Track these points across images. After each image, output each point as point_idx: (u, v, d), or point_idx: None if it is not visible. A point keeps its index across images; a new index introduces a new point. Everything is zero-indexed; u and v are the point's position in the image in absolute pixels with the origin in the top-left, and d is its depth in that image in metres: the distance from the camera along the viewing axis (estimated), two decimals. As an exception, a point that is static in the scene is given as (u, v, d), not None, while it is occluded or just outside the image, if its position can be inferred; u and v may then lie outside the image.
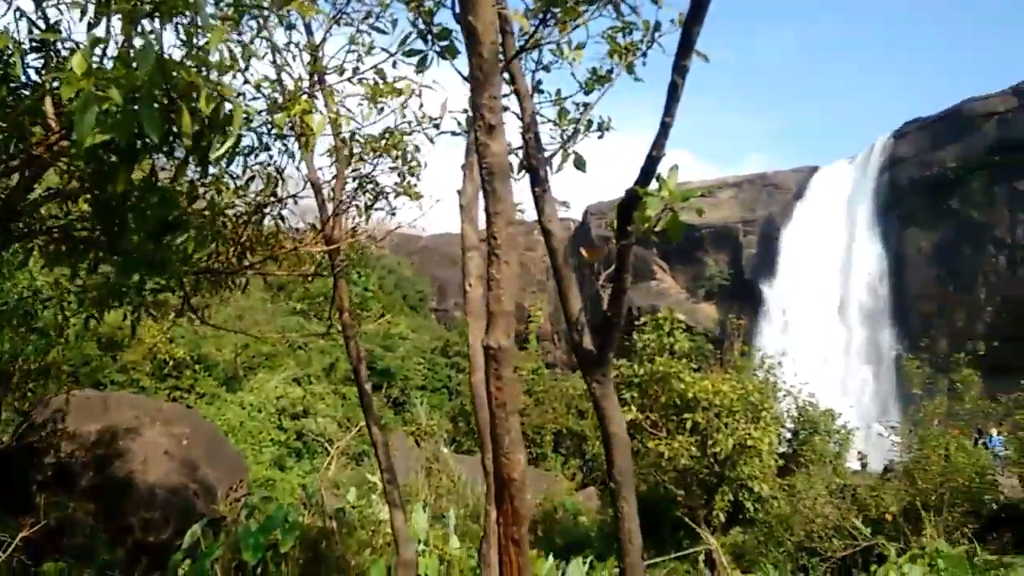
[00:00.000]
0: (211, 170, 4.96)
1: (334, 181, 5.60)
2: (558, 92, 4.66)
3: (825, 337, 49.74)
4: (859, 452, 22.61)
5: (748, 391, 11.20)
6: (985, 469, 11.83)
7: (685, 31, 2.54)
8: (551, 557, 7.62)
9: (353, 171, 5.61)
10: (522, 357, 33.94)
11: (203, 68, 3.35)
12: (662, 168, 3.08)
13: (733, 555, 11.35)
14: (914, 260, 48.72)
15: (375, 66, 4.19)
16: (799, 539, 10.63)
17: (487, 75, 2.15)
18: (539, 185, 4.10)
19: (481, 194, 2.94)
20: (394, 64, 4.22)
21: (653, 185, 3.22)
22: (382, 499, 7.91)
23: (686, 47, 2.61)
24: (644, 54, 4.11)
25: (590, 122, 4.83)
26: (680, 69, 2.95)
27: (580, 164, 4.65)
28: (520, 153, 4.32)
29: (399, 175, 5.54)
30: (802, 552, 10.27)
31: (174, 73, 3.17)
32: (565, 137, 4.62)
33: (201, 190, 4.83)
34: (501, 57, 4.14)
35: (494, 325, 2.37)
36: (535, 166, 4.09)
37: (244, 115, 4.01)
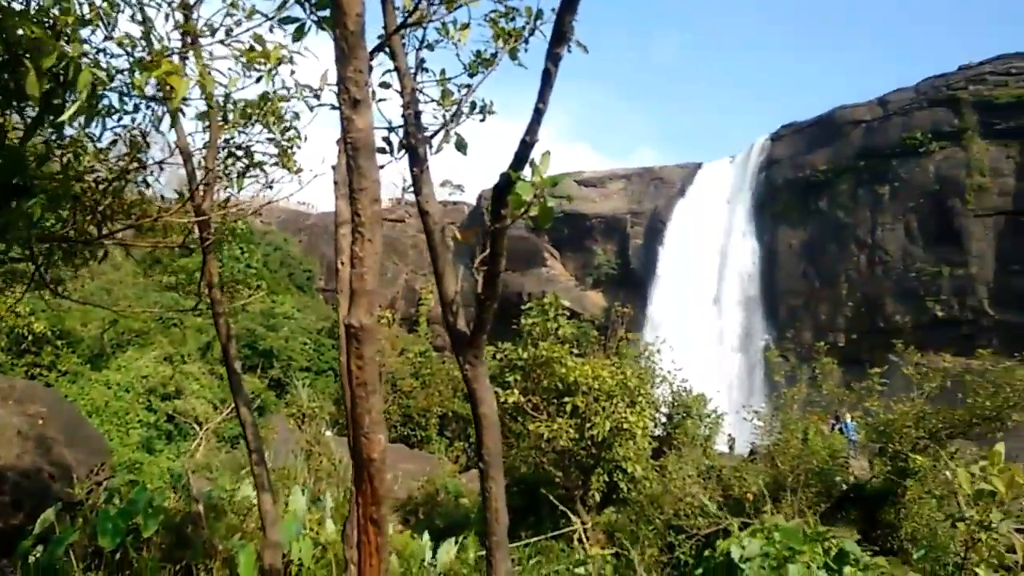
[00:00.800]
0: (69, 132, 4.62)
1: (205, 149, 5.33)
2: (442, 72, 4.61)
3: (702, 326, 52.12)
4: (729, 435, 23.93)
5: (627, 377, 11.56)
6: (837, 452, 12.77)
7: (558, 20, 2.58)
8: (426, 537, 7.64)
9: (226, 139, 5.36)
10: (411, 340, 33.70)
11: (52, 22, 3.11)
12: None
13: (606, 533, 11.77)
14: (785, 256, 51.80)
15: (250, 29, 4.01)
16: (668, 517, 11.10)
17: (352, 48, 2.10)
18: (418, 165, 4.06)
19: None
20: (271, 29, 4.06)
21: (528, 171, 3.28)
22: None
23: (559, 36, 2.65)
24: (526, 40, 4.14)
25: (473, 104, 4.81)
26: (553, 57, 2.99)
27: (462, 146, 4.62)
28: (401, 131, 4.27)
29: (276, 146, 5.34)
30: (670, 530, 10.73)
31: (19, 31, 2.94)
32: (447, 118, 4.58)
33: (58, 152, 4.49)
34: (382, 32, 4.09)
35: (356, 304, 2.34)
36: (414, 145, 4.06)
37: (104, 74, 3.77)
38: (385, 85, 4.37)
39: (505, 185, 3.27)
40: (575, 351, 11.78)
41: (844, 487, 11.56)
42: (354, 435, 2.52)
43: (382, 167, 4.35)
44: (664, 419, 16.64)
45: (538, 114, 3.28)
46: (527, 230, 64.32)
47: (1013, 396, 11.33)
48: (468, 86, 4.70)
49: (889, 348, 16.10)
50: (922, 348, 38.47)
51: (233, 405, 6.21)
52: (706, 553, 4.40)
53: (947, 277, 43.76)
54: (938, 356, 34.20)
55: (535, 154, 3.31)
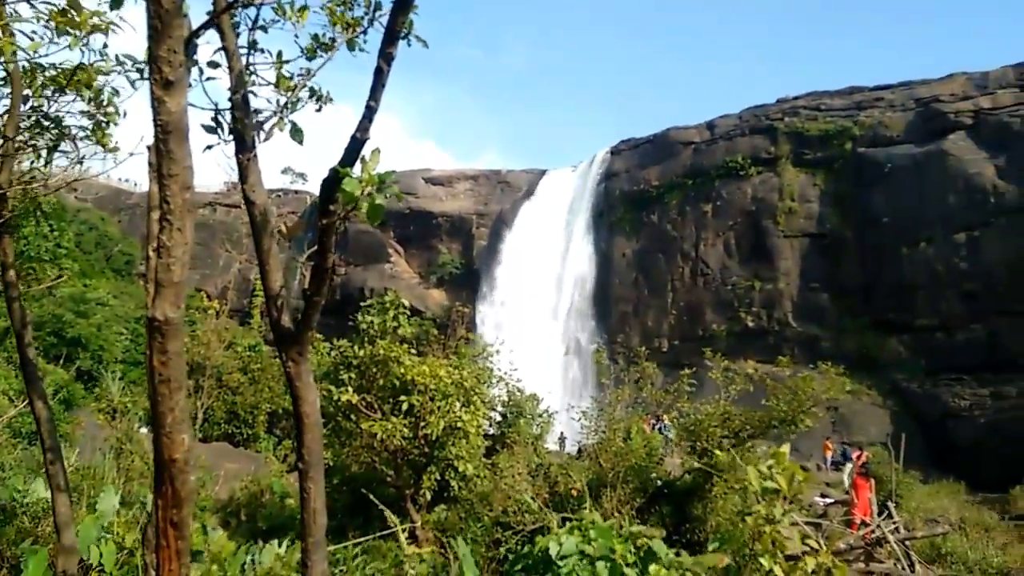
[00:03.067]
0: None
1: (6, 116, 4.80)
2: (278, 55, 4.42)
3: (540, 328, 53.66)
4: (561, 433, 24.83)
5: (464, 376, 11.64)
6: (655, 451, 13.58)
7: (391, 20, 2.57)
8: (239, 540, 7.29)
9: (33, 107, 4.86)
10: (241, 332, 32.09)
11: None
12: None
13: (436, 531, 11.80)
14: (619, 264, 54.47)
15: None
16: (497, 514, 11.30)
17: (167, 26, 1.98)
18: (245, 151, 3.87)
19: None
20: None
21: (358, 167, 3.23)
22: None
23: (392, 35, 2.63)
24: (365, 31, 4.06)
25: (312, 91, 4.64)
26: (386, 56, 2.98)
27: (297, 134, 4.43)
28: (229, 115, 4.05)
29: (91, 119, 4.90)
30: (498, 526, 10.93)
31: None
32: (281, 103, 4.38)
33: None
34: (211, 9, 3.86)
35: (161, 296, 2.20)
36: (241, 131, 3.87)
37: None
38: (214, 64, 4.13)
39: (333, 181, 3.21)
40: (414, 350, 11.73)
41: (659, 483, 12.31)
42: (156, 434, 2.37)
43: (211, 147, 4.11)
44: (499, 418, 16.98)
45: (369, 111, 3.24)
46: (373, 225, 63.26)
47: (807, 402, 12.56)
48: (307, 70, 4.53)
49: (705, 354, 17.34)
50: (734, 355, 41.84)
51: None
52: (524, 549, 4.53)
53: (758, 291, 47.84)
54: (746, 363, 37.42)
55: (374, 151, 3.30)
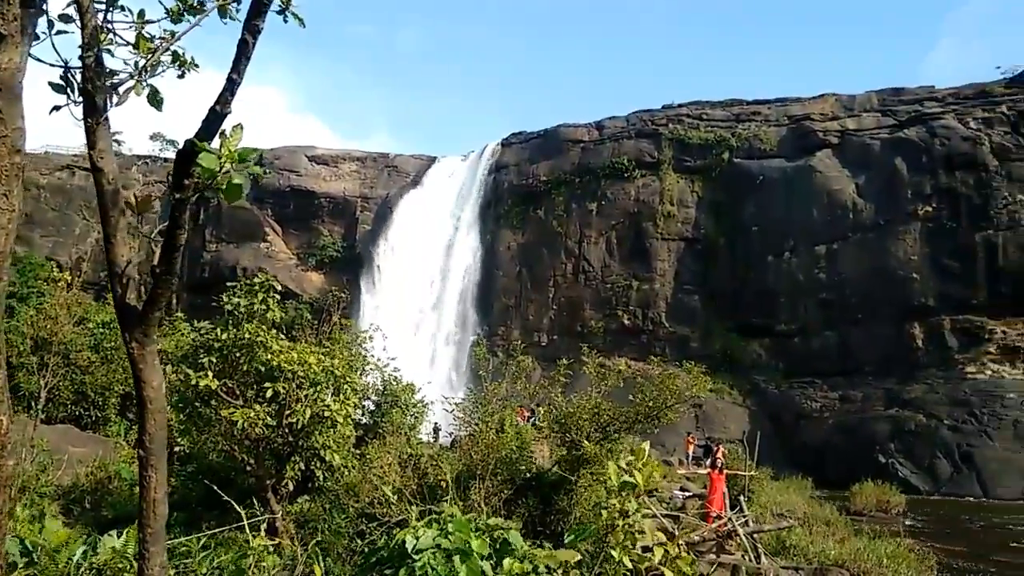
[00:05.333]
0: None
1: None
2: (140, 13, 4.08)
3: (421, 317, 53.34)
4: (435, 424, 24.72)
5: (335, 364, 11.33)
6: (526, 443, 13.74)
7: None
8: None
9: None
10: (95, 308, 29.95)
11: None
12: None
13: (298, 523, 11.45)
14: (503, 257, 54.90)
15: None
16: (363, 506, 11.10)
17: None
18: (94, 115, 3.55)
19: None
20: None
21: (217, 142, 3.03)
22: None
23: (258, 8, 2.48)
24: (238, 0, 3.82)
25: (175, 55, 4.32)
26: (251, 28, 2.81)
27: (155, 100, 4.11)
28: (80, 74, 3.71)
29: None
30: (363, 518, 10.74)
31: None
32: (139, 66, 4.05)
33: None
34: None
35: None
36: (91, 92, 3.55)
37: None
38: (66, 18, 3.77)
39: (189, 154, 3.00)
40: (284, 335, 11.31)
41: (528, 475, 12.46)
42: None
43: (58, 108, 3.75)
44: (372, 407, 16.68)
45: (231, 84, 3.05)
46: (249, 200, 60.70)
47: (671, 398, 13.07)
48: (172, 33, 4.21)
49: (583, 350, 17.73)
50: (610, 352, 43.21)
51: None
52: (380, 543, 4.45)
53: (635, 290, 49.55)
54: (620, 359, 38.67)
55: (236, 126, 3.11)
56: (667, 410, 12.54)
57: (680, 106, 55.21)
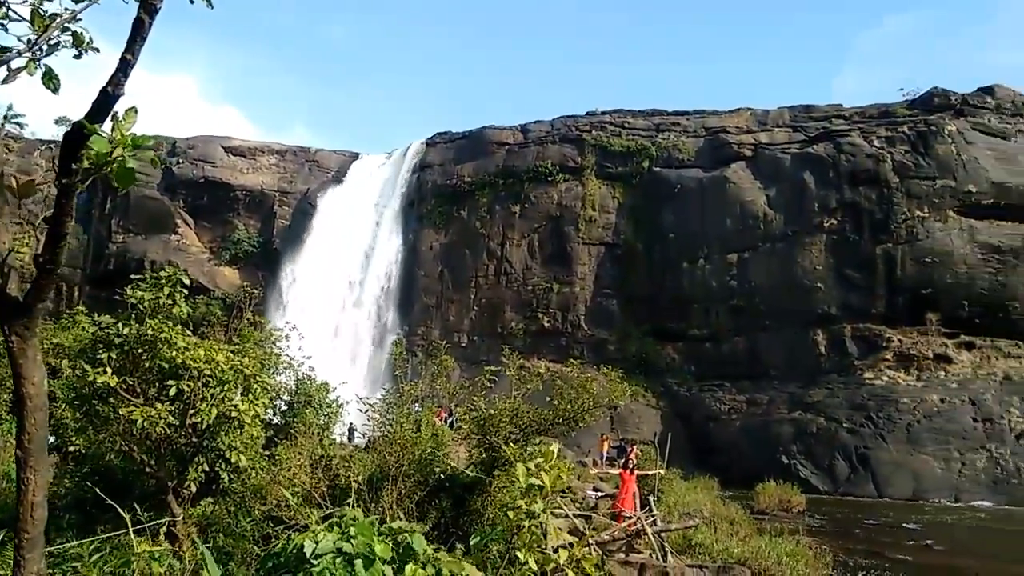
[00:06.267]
0: None
1: None
2: (36, -13, 3.82)
3: (340, 315, 52.42)
4: (351, 424, 24.29)
5: (245, 362, 10.96)
6: (442, 444, 13.65)
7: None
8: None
9: None
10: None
11: None
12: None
13: (201, 526, 11.05)
14: (425, 257, 54.56)
15: None
16: (270, 508, 10.80)
17: None
18: (-27, 91, 3.34)
19: None
20: None
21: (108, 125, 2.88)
22: None
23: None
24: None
25: (75, 35, 4.07)
26: (147, 7, 2.68)
27: (50, 81, 3.87)
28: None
29: None
30: (270, 521, 10.45)
31: None
32: (33, 44, 3.80)
33: None
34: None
35: None
36: (-29, 68, 3.31)
37: None
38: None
39: (77, 137, 2.83)
40: (193, 331, 10.87)
41: (442, 476, 12.39)
42: None
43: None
44: (284, 407, 16.26)
45: (124, 64, 2.90)
46: (160, 190, 58.37)
47: (589, 401, 13.24)
48: (73, 12, 3.97)
49: (503, 351, 17.78)
50: (530, 353, 43.52)
51: None
52: (276, 547, 4.31)
53: (556, 293, 50.08)
54: (540, 361, 38.98)
55: (129, 109, 2.95)
56: (586, 414, 12.70)
57: (603, 113, 56.19)
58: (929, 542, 21.83)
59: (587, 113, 56.73)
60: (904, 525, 25.32)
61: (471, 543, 4.66)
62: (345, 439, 23.31)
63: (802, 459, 38.27)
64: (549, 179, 52.93)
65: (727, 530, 17.77)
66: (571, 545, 4.80)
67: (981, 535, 25.44)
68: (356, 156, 63.12)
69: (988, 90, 47.53)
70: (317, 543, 3.83)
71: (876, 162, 44.53)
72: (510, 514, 4.40)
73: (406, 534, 4.20)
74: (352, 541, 3.92)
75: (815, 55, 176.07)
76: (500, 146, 56.45)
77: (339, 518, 4.14)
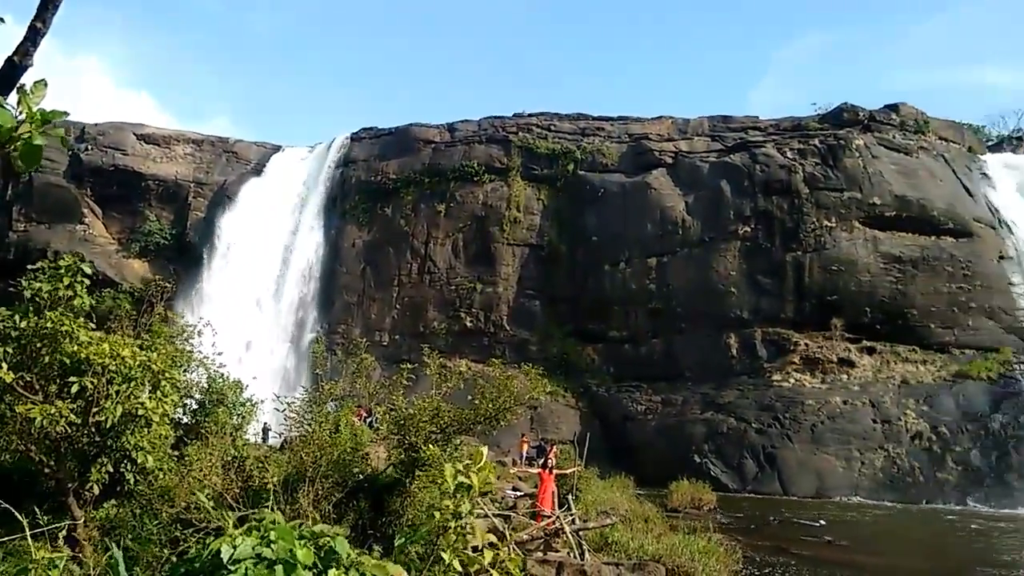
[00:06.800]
0: None
1: None
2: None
3: (257, 311, 50.97)
4: (265, 424, 23.64)
5: (154, 358, 10.48)
6: (361, 444, 13.42)
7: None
8: None
9: None
10: None
11: None
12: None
13: (104, 529, 10.52)
14: (347, 254, 53.64)
15: None
16: (178, 511, 10.37)
17: None
18: None
19: None
20: None
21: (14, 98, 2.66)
22: None
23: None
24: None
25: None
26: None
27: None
28: None
29: None
30: (178, 524, 10.03)
31: None
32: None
33: None
34: None
35: None
36: None
37: None
38: None
39: (-24, 109, 2.60)
40: (98, 325, 10.32)
41: (361, 477, 12.18)
42: None
43: None
44: (195, 406, 15.67)
45: (34, 33, 2.69)
46: (67, 178, 55.44)
47: (510, 399, 13.26)
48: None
49: (425, 350, 17.64)
50: (452, 353, 43.48)
51: None
52: (191, 552, 4.11)
53: (479, 293, 50.08)
54: (462, 361, 38.88)
55: (38, 82, 2.73)
56: (507, 412, 12.70)
57: (530, 115, 56.56)
58: (831, 538, 22.85)
59: (514, 115, 56.99)
60: (808, 522, 26.44)
61: (395, 544, 4.57)
62: (259, 439, 22.67)
63: (713, 458, 39.46)
64: (475, 179, 52.90)
65: (642, 528, 18.15)
66: (495, 545, 4.77)
67: (879, 531, 26.83)
68: (277, 148, 61.52)
69: (893, 107, 50.29)
70: (235, 548, 3.66)
71: (788, 173, 46.40)
72: (436, 515, 4.33)
73: (328, 537, 4.07)
74: (272, 546, 3.76)
75: (735, 67, 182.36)
76: (426, 144, 56.06)
77: (258, 521, 3.97)
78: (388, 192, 54.60)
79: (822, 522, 26.45)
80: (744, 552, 16.82)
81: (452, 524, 4.30)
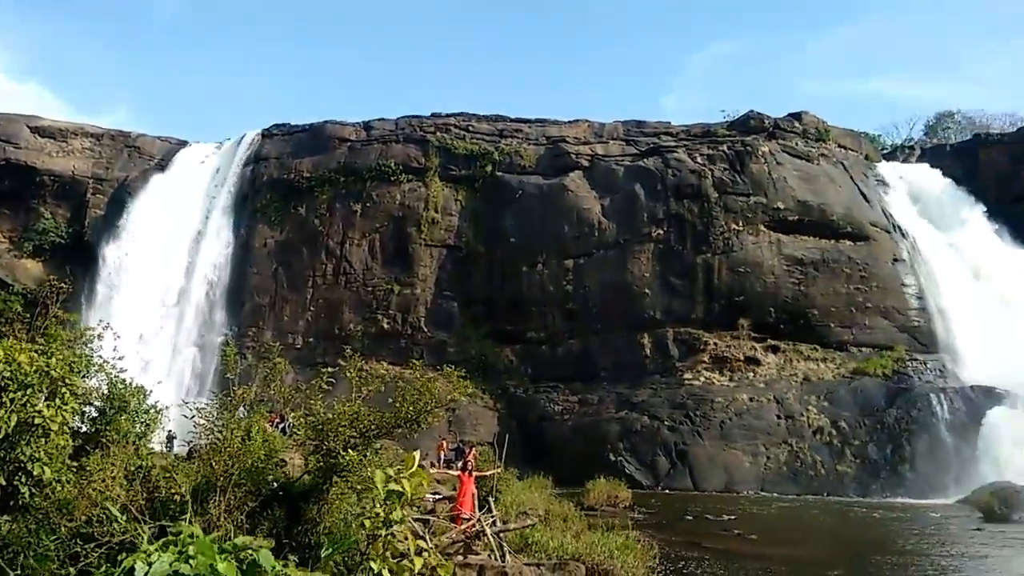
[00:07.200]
0: None
1: None
2: None
3: (161, 313, 48.84)
4: (169, 432, 22.59)
5: (52, 364, 9.87)
6: (274, 451, 12.98)
7: None
8: None
9: None
10: None
11: None
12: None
13: (-7, 547, 9.79)
14: (258, 254, 52.00)
15: None
16: (78, 524, 9.77)
17: None
18: None
19: None
20: None
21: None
22: None
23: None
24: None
25: None
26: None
27: None
28: None
29: None
30: (78, 539, 9.44)
31: None
32: None
33: None
34: None
35: None
36: None
37: None
38: None
39: None
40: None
41: (275, 485, 11.79)
42: None
43: None
44: (95, 414, 14.82)
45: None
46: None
47: (431, 401, 13.11)
48: None
49: (341, 353, 17.26)
50: (369, 355, 42.75)
51: None
52: (102, 570, 3.85)
53: (396, 295, 49.49)
54: (379, 364, 38.36)
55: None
56: (428, 415, 12.54)
57: (448, 116, 56.35)
58: (740, 532, 23.68)
59: (432, 114, 56.65)
60: (718, 516, 27.31)
61: (322, 555, 4.41)
62: (164, 448, 21.68)
63: (628, 456, 40.27)
64: (392, 179, 52.26)
65: (561, 527, 18.30)
66: (424, 551, 4.69)
67: (784, 523, 28.03)
68: (183, 144, 59.13)
69: (797, 116, 52.77)
70: (151, 565, 3.45)
71: (699, 177, 47.95)
72: (366, 523, 4.20)
73: (251, 550, 3.89)
74: (191, 561, 3.57)
75: (649, 73, 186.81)
76: (342, 142, 55.03)
77: (174, 535, 3.76)
78: (302, 191, 53.26)
79: (727, 516, 27.36)
80: (660, 548, 17.19)
81: (383, 532, 4.18)
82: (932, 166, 56.40)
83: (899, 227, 49.04)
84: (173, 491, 10.27)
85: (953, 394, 39.97)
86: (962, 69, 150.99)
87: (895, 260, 46.85)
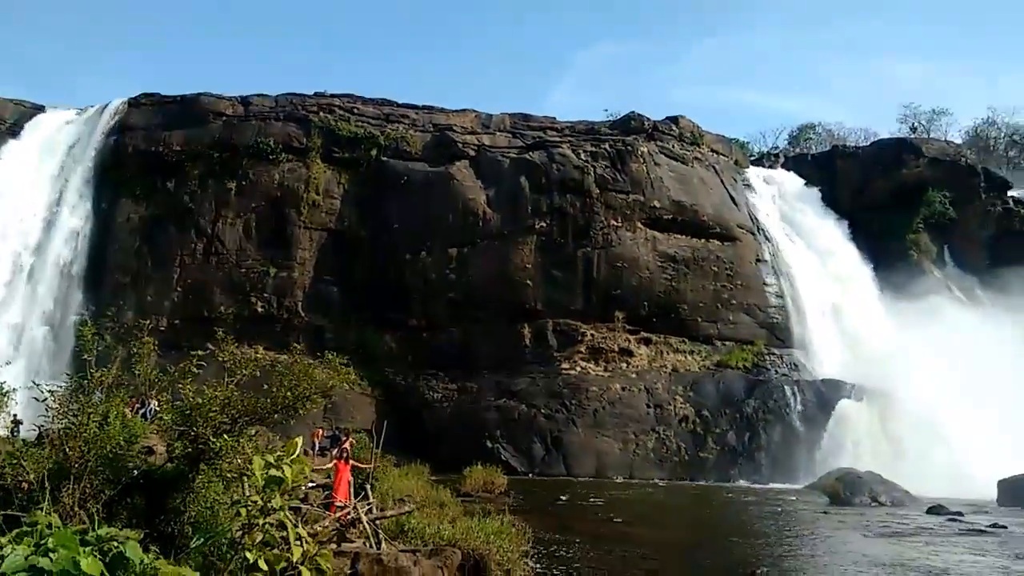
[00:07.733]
0: None
1: None
2: None
3: (9, 291, 44.98)
4: (15, 416, 20.87)
5: None
6: (136, 436, 12.25)
7: None
8: None
9: None
10: None
11: None
12: None
13: None
14: (121, 229, 48.65)
15: None
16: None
17: None
18: None
19: None
20: None
21: None
22: None
23: None
24: None
25: None
26: None
27: None
28: None
29: None
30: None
31: None
32: None
33: None
34: None
35: None
36: None
37: None
38: None
39: None
40: None
41: (135, 473, 11.17)
42: None
43: None
44: (-69, 398, 13.50)
45: None
46: None
47: (310, 388, 12.78)
48: None
49: (210, 336, 16.49)
50: (241, 339, 41.08)
51: None
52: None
53: (272, 277, 47.71)
54: (252, 348, 36.95)
55: None
56: (306, 401, 12.22)
57: (332, 96, 54.76)
58: (611, 515, 24.63)
59: (315, 93, 54.89)
60: (588, 501, 28.23)
61: (192, 545, 4.23)
62: (10, 433, 20.02)
63: (505, 443, 40.90)
64: (271, 157, 50.21)
65: (438, 514, 18.35)
66: (303, 540, 4.60)
67: (651, 507, 29.32)
68: (39, 109, 54.44)
69: (674, 120, 55.10)
70: (3, 559, 3.19)
71: (582, 173, 49.13)
72: (241, 511, 4.06)
73: (116, 542, 3.68)
74: (51, 555, 3.32)
75: (537, 66, 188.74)
76: (217, 116, 52.32)
77: (30, 526, 3.49)
78: (171, 165, 50.20)
79: (598, 500, 28.37)
80: (534, 532, 17.57)
81: (260, 521, 4.06)
82: (796, 174, 60.55)
83: (763, 229, 52.34)
84: (20, 478, 9.52)
85: (805, 386, 43.21)
86: (823, 86, 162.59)
87: (758, 260, 49.96)
